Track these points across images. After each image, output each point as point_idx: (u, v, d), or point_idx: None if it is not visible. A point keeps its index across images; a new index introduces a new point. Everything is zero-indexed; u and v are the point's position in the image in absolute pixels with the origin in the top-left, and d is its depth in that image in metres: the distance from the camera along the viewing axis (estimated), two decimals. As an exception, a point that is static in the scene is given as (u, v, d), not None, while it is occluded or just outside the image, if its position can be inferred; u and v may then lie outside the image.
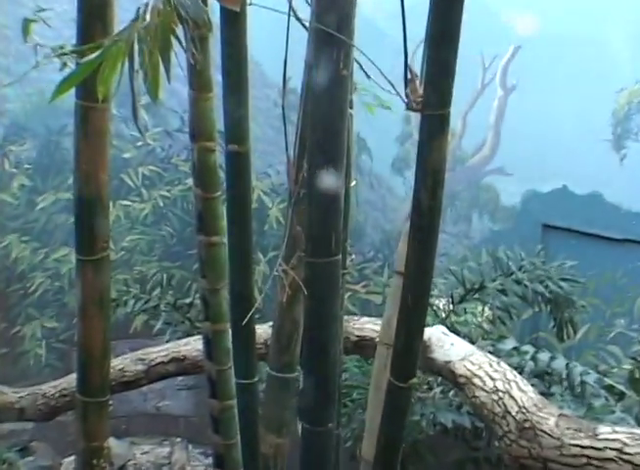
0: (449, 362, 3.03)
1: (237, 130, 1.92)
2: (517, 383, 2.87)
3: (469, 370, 2.94)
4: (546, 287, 4.68)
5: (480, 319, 4.82)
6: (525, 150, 4.66)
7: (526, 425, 2.72)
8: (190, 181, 6.33)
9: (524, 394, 2.82)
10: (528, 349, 3.46)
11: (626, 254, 5.24)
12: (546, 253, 5.12)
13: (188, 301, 5.13)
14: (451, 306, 4.74)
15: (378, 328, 3.31)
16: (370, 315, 3.80)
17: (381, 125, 5.79)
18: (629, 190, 5.17)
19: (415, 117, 5.85)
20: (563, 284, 4.73)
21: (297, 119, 2.03)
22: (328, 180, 1.80)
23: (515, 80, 5.20)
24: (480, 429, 4.23)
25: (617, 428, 2.65)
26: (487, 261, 4.92)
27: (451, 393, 4.37)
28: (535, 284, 4.66)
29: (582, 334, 5.28)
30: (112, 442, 6.95)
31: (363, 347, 3.25)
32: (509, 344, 3.46)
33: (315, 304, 1.93)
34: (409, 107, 1.74)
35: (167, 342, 5.15)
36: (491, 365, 2.94)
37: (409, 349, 1.98)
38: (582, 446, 2.62)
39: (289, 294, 2.06)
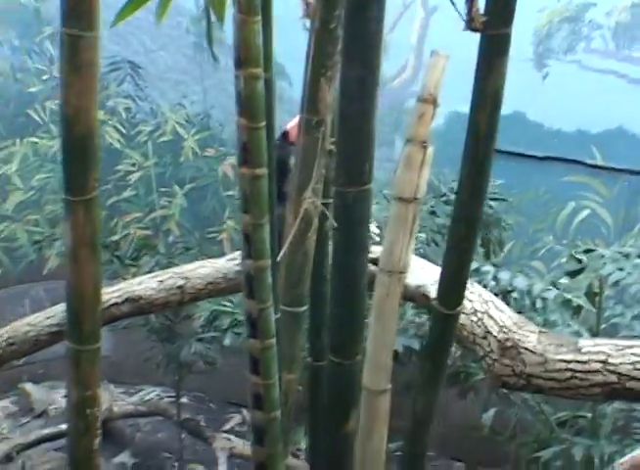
0: (421, 286, 3.03)
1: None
2: (494, 303, 2.90)
3: (443, 293, 2.94)
4: (476, 206, 4.72)
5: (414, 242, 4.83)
6: (446, 71, 4.62)
7: (508, 344, 2.76)
8: (100, 115, 6.14)
9: (502, 313, 2.85)
10: (489, 268, 3.50)
11: (548, 170, 5.34)
12: (472, 173, 5.15)
13: (116, 238, 4.99)
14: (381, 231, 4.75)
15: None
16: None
17: (299, 50, 5.64)
18: (551, 108, 5.24)
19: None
20: (492, 203, 4.80)
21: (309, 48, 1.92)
22: (362, 104, 1.73)
23: (437, 1, 5.18)
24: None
25: (599, 340, 2.72)
26: (417, 184, 4.92)
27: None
28: (466, 204, 4.69)
29: (507, 251, 5.40)
30: (30, 387, 6.76)
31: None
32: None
33: (346, 235, 1.87)
34: (470, 26, 1.68)
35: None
36: (466, 287, 2.95)
37: (459, 275, 1.96)
38: (566, 361, 2.67)
39: (301, 227, 1.99)
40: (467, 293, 2.96)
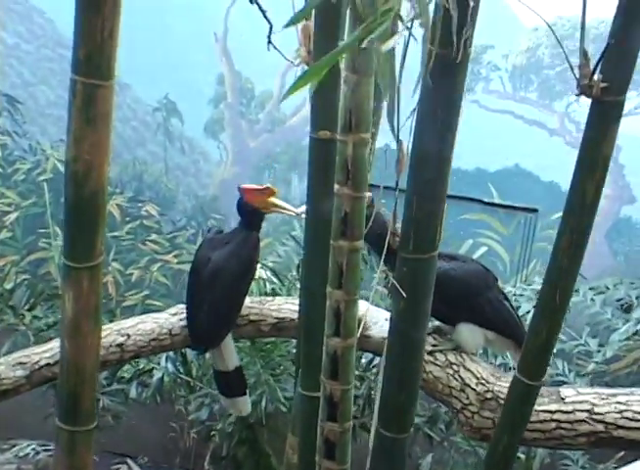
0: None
1: (329, 113, 1.65)
2: (467, 354, 2.84)
3: (413, 345, 2.86)
4: (382, 243, 4.69)
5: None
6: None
7: (488, 396, 2.70)
8: (-22, 167, 5.71)
9: (477, 364, 2.80)
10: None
11: (447, 208, 5.37)
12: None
13: (9, 287, 4.63)
14: (296, 274, 4.65)
15: (296, 308, 3.14)
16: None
17: (192, 87, 5.49)
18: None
19: (229, 78, 5.59)
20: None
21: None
22: (438, 170, 1.62)
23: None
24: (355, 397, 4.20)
25: (580, 389, 2.71)
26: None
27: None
28: (375, 242, 4.67)
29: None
30: None
31: (282, 328, 3.07)
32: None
33: (411, 303, 1.75)
34: (586, 92, 1.60)
35: (-12, 337, 4.61)
36: (435, 338, 2.89)
37: (548, 346, 1.86)
38: (550, 411, 2.65)
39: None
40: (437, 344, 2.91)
